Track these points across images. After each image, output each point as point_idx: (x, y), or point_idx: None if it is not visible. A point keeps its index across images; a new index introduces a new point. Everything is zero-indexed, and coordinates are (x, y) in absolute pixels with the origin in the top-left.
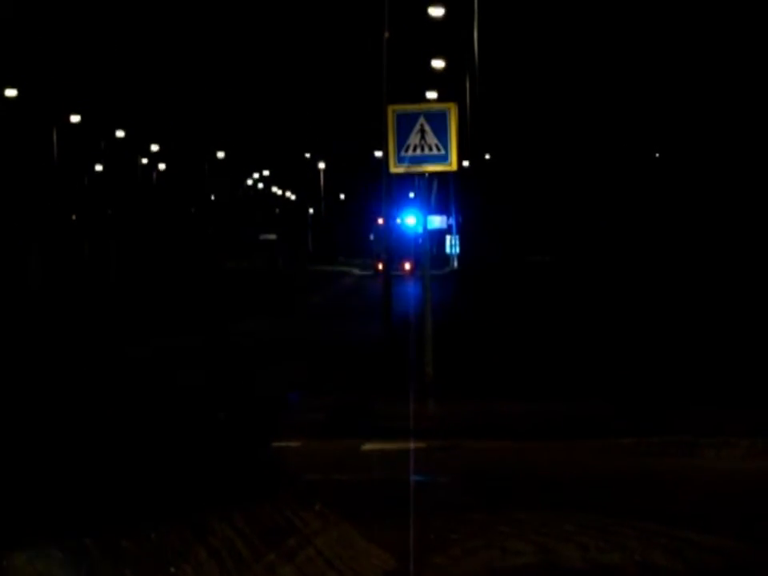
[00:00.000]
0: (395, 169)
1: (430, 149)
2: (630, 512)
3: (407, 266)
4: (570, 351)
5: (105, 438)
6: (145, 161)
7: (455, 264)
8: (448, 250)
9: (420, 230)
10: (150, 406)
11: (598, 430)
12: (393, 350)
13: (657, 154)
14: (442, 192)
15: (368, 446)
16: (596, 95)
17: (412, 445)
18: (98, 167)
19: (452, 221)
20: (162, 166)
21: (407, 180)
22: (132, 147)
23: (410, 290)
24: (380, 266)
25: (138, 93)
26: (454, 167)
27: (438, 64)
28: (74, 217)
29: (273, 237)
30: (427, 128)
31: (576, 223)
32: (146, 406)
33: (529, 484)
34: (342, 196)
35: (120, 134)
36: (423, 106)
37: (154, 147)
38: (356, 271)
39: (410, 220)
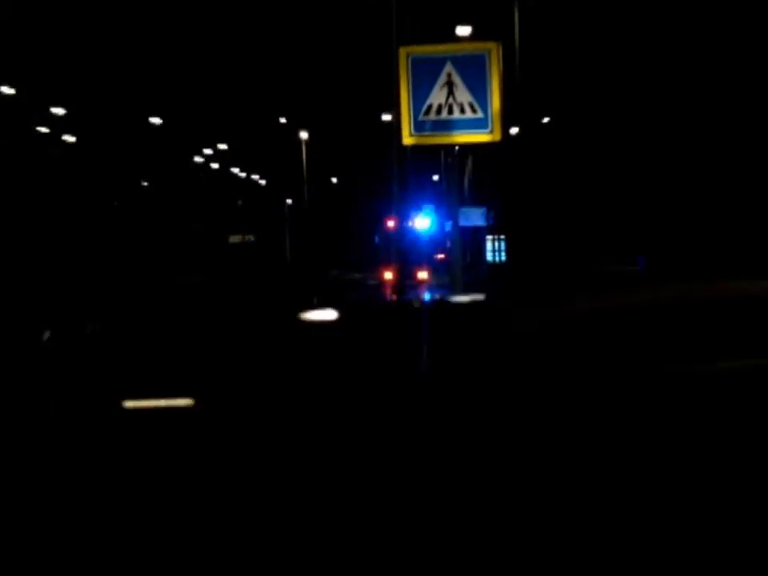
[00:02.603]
0: (410, 139)
1: (462, 110)
2: None
3: (420, 275)
4: None
5: None
6: (45, 130)
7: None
8: (489, 256)
9: (448, 227)
10: None
11: None
12: None
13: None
14: (480, 173)
15: None
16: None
17: None
18: None
19: (492, 217)
20: (70, 138)
21: (429, 155)
22: (28, 109)
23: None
24: (387, 276)
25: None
26: (497, 136)
27: None
28: None
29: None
30: (457, 80)
31: (675, 216)
32: None
33: None
34: (335, 180)
35: (8, 90)
36: (451, 48)
37: (58, 111)
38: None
39: (422, 221)
